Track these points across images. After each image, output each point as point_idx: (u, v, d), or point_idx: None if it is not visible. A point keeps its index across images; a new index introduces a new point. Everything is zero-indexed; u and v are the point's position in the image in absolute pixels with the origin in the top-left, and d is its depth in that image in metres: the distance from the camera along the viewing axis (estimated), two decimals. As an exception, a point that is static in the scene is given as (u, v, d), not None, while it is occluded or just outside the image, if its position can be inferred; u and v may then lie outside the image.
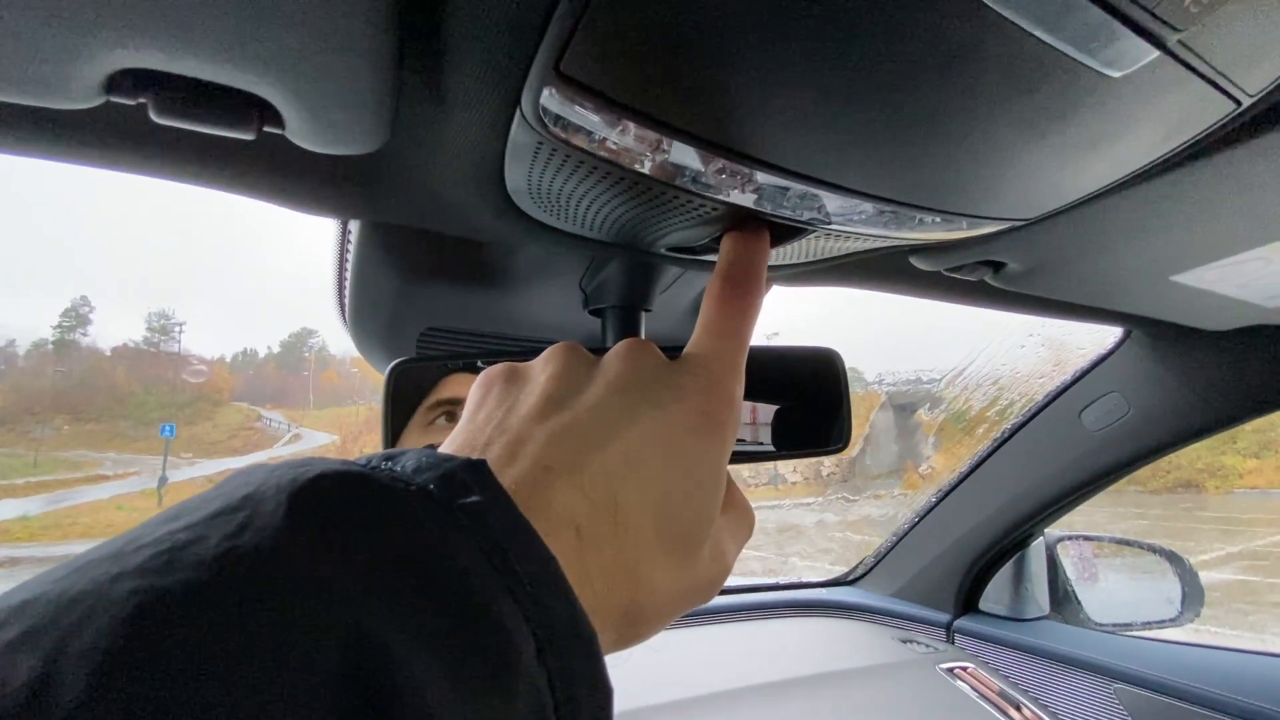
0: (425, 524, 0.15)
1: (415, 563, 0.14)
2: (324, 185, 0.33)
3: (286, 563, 0.13)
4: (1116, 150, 0.27)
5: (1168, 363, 0.79)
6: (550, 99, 0.23)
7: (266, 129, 0.25)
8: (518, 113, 0.25)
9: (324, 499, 0.15)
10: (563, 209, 0.33)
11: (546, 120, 0.24)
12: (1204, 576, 1.05)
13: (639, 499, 0.21)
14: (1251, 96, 0.25)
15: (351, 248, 0.44)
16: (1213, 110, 0.26)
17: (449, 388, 0.53)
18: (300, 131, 0.25)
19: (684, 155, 0.25)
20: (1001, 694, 0.95)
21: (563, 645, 0.16)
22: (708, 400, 0.23)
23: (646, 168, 0.25)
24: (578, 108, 0.22)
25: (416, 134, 0.29)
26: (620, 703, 0.18)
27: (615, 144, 0.24)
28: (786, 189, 0.27)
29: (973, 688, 0.95)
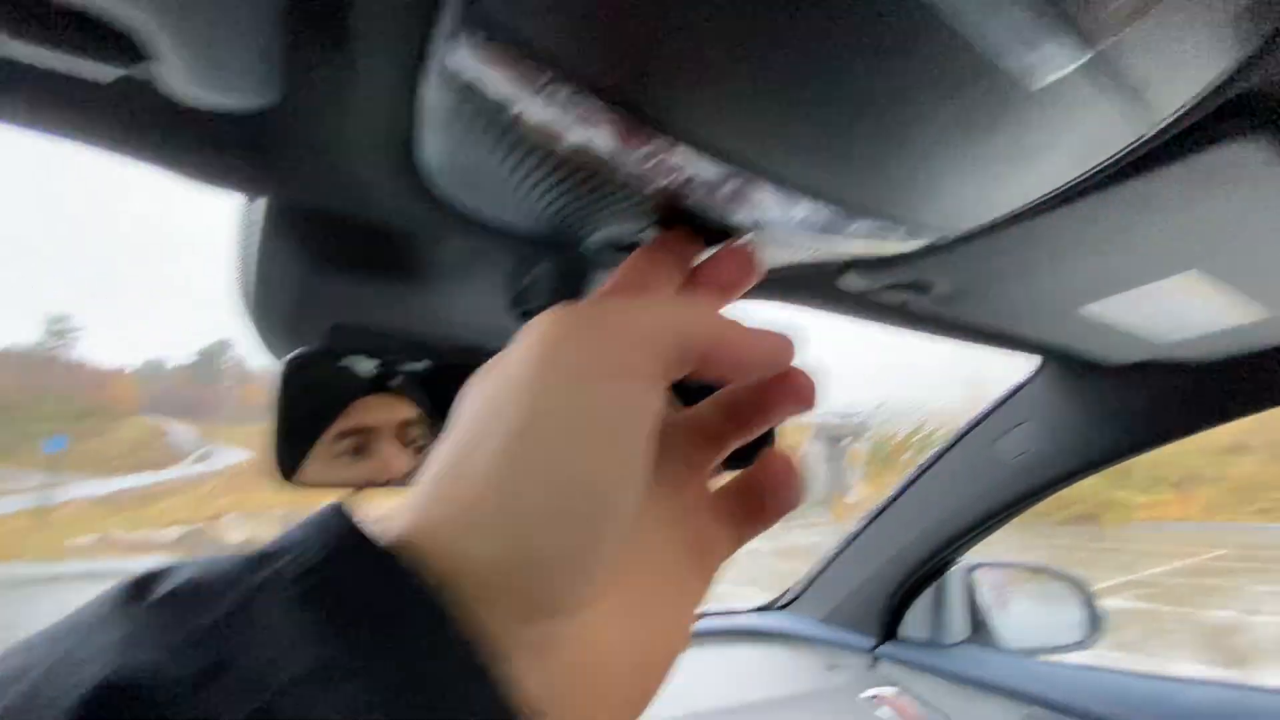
0: None
1: None
2: (206, 142, 0.29)
3: None
4: (1038, 165, 0.27)
5: (1072, 395, 0.83)
6: (462, 50, 0.21)
7: (129, 70, 0.21)
8: (431, 57, 0.22)
9: None
10: (481, 193, 0.31)
11: (461, 73, 0.22)
12: (1103, 604, 1.10)
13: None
14: (1164, 118, 0.26)
15: (253, 227, 0.40)
16: (1128, 129, 0.26)
17: (359, 413, 0.47)
18: (175, 72, 0.22)
19: (607, 136, 0.23)
20: (921, 722, 0.95)
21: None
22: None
23: (571, 144, 0.24)
24: (493, 62, 0.20)
25: (315, 89, 0.26)
26: None
27: (537, 111, 0.22)
28: (719, 184, 0.26)
29: (894, 716, 0.96)
